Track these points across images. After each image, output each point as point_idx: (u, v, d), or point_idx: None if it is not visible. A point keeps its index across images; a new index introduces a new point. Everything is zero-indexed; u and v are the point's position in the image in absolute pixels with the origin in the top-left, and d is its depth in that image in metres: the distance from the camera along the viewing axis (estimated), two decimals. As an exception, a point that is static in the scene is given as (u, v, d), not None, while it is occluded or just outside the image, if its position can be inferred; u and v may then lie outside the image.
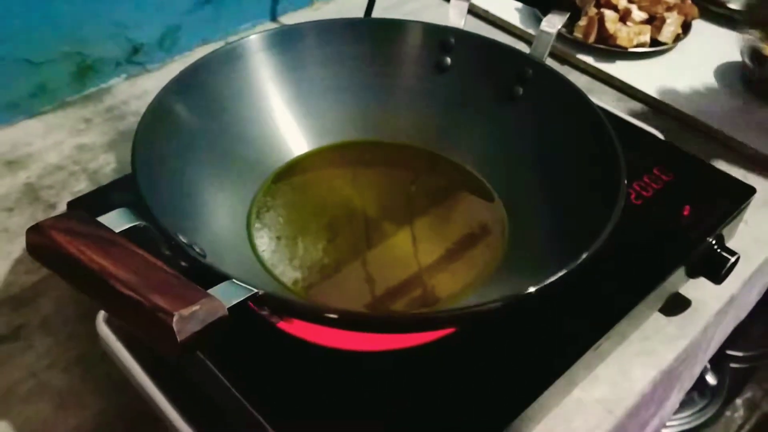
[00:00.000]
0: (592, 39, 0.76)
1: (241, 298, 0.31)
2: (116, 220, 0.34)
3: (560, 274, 0.37)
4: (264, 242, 0.47)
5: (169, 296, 0.29)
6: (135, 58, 0.70)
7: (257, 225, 0.48)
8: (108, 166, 0.62)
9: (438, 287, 0.46)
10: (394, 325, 0.36)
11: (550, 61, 0.73)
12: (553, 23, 0.51)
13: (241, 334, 0.41)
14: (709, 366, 1.12)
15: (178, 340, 0.28)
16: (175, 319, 0.28)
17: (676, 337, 0.52)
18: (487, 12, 0.82)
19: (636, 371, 0.49)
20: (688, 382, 0.59)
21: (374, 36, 0.53)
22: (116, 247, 0.31)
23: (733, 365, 1.17)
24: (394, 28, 0.53)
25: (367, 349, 0.41)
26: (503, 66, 0.52)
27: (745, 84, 0.74)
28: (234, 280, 0.32)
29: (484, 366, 0.42)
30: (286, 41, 0.52)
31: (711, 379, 1.12)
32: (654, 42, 0.77)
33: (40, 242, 0.31)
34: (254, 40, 0.50)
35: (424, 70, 0.54)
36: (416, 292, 0.45)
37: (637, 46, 0.76)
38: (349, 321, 0.35)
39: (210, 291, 0.31)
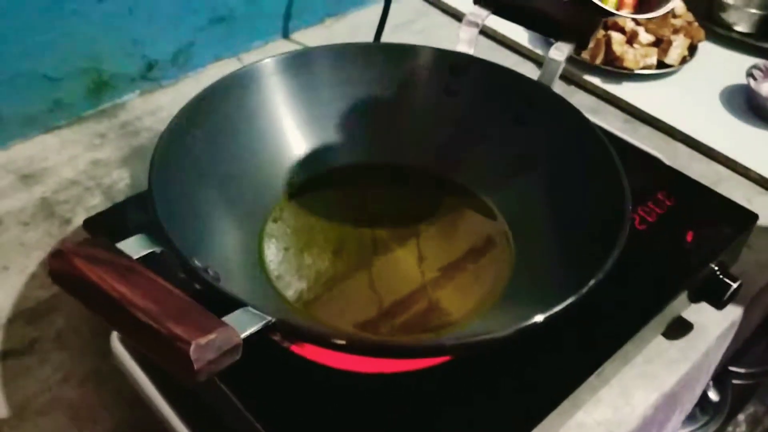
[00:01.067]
0: (599, 60, 0.77)
1: (255, 328, 0.32)
2: (134, 247, 0.35)
3: (567, 302, 0.37)
4: (274, 261, 0.48)
5: (186, 325, 0.30)
6: (149, 75, 0.71)
7: (268, 244, 0.49)
8: (122, 181, 0.63)
9: (444, 308, 0.47)
10: (402, 352, 0.37)
11: (557, 83, 0.74)
12: (562, 51, 0.52)
13: (252, 356, 0.42)
14: (711, 383, 1.12)
15: (195, 368, 0.29)
16: (192, 348, 0.29)
17: (677, 360, 0.53)
18: (495, 32, 0.83)
19: (638, 394, 0.50)
20: (689, 404, 0.59)
21: (385, 60, 0.54)
22: (135, 275, 0.32)
23: (735, 381, 1.17)
24: (405, 52, 0.55)
25: (374, 371, 0.42)
26: (511, 91, 0.53)
27: (750, 107, 0.75)
28: (249, 308, 0.33)
29: (489, 389, 0.43)
30: (298, 65, 0.53)
31: (713, 395, 1.13)
32: (661, 64, 0.78)
33: (62, 268, 0.32)
34: (268, 63, 0.52)
35: (434, 93, 0.55)
36: (421, 312, 0.46)
37: (644, 68, 0.77)
38: (358, 347, 0.36)
39: (225, 319, 0.32)
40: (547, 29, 0.53)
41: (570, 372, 0.44)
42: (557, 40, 0.53)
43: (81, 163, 0.65)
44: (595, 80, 0.77)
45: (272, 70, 0.52)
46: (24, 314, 0.52)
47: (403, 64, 0.55)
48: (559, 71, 0.52)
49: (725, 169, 0.69)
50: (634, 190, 0.55)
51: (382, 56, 0.54)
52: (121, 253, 0.34)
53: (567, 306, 0.37)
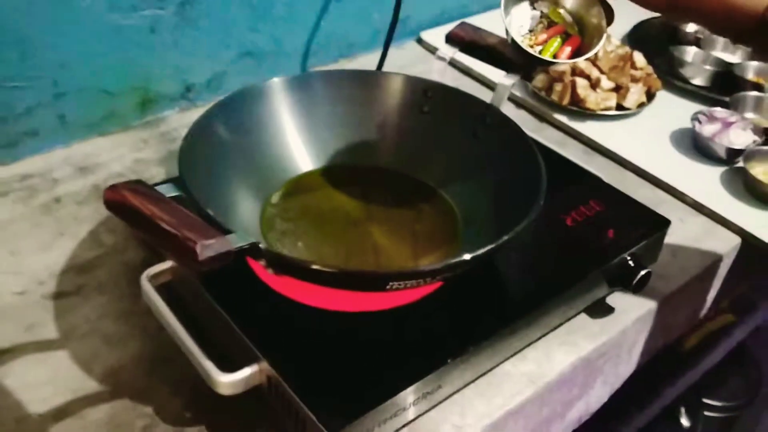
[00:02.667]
0: (566, 101, 0.91)
1: (246, 243, 0.46)
2: (166, 189, 0.49)
3: (488, 248, 0.51)
4: (272, 232, 0.62)
5: (195, 232, 0.43)
6: (187, 96, 0.87)
7: (269, 220, 0.63)
8: (159, 176, 0.78)
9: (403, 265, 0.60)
10: (359, 280, 0.50)
11: (523, 114, 0.88)
12: (510, 79, 0.66)
13: (245, 291, 0.56)
14: (683, 409, 1.21)
15: (199, 259, 0.42)
16: (198, 245, 0.43)
17: (596, 334, 0.64)
18: (463, 64, 0.98)
19: (559, 356, 0.62)
20: (613, 378, 0.70)
21: (369, 84, 0.69)
22: (163, 203, 0.46)
23: (708, 413, 1.25)
24: (385, 78, 0.69)
25: (340, 309, 0.55)
26: (469, 111, 0.67)
27: (695, 147, 0.87)
28: (241, 232, 0.47)
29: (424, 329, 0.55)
30: (301, 85, 0.68)
31: (684, 420, 1.21)
32: (620, 107, 0.91)
33: (113, 197, 0.46)
34: (277, 81, 0.66)
35: (409, 111, 0.69)
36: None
37: (604, 109, 0.90)
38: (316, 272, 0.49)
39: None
40: (499, 63, 0.67)
41: (493, 321, 0.57)
42: (507, 72, 0.66)
43: (127, 160, 0.79)
44: (563, 118, 0.91)
45: (280, 87, 0.67)
46: (74, 268, 0.66)
47: (384, 87, 0.69)
48: (506, 95, 0.65)
49: (666, 195, 0.82)
50: (570, 198, 0.69)
51: (367, 80, 0.69)
52: (155, 190, 0.48)
53: (488, 250, 0.50)
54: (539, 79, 0.92)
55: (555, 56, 0.64)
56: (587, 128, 0.89)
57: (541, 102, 0.92)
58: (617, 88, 0.92)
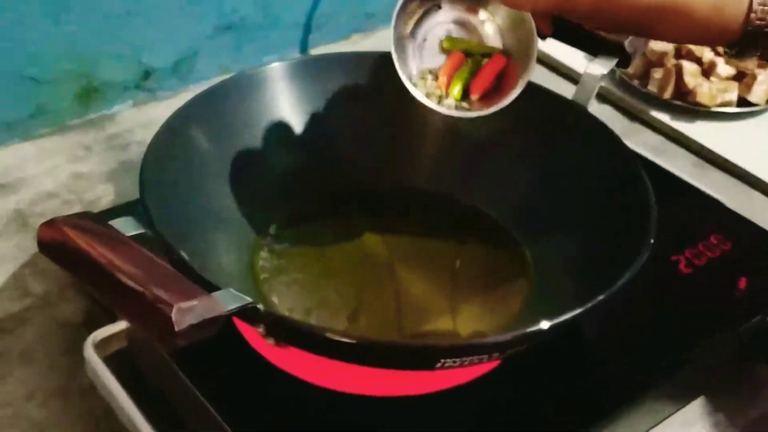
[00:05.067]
0: (668, 94, 0.89)
1: (239, 304, 0.43)
2: (124, 225, 0.47)
3: (573, 313, 0.48)
4: (271, 281, 0.60)
5: (170, 290, 0.41)
6: (145, 84, 0.85)
7: (264, 264, 0.61)
8: (106, 197, 0.76)
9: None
10: (400, 356, 0.48)
11: (608, 111, 0.87)
12: (600, 67, 0.64)
13: (230, 363, 0.54)
14: None
15: (176, 329, 0.40)
16: (174, 310, 0.40)
17: (721, 424, 0.62)
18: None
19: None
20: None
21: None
22: (123, 245, 0.44)
23: None
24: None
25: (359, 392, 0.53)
26: (542, 111, 0.65)
27: None
28: (232, 289, 0.44)
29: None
30: (306, 73, 0.66)
31: None
32: (742, 102, 0.89)
33: (52, 236, 0.44)
34: (275, 68, 0.65)
35: (454, 111, 0.67)
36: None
37: (721, 105, 0.88)
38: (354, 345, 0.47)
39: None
40: (584, 43, 0.65)
41: (577, 416, 0.54)
42: (595, 56, 0.64)
43: (62, 174, 0.78)
44: (663, 117, 0.89)
45: (279, 75, 0.66)
46: (-11, 327, 0.65)
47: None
48: (596, 90, 0.64)
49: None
50: (683, 232, 0.67)
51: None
52: (110, 227, 0.46)
53: (576, 315, 0.48)
54: (631, 64, 0.90)
55: (467, 95, 0.63)
56: (698, 131, 0.87)
57: (634, 94, 0.91)
58: (739, 76, 0.90)
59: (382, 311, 0.61)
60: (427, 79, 0.63)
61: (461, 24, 0.64)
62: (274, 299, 0.59)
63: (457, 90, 0.62)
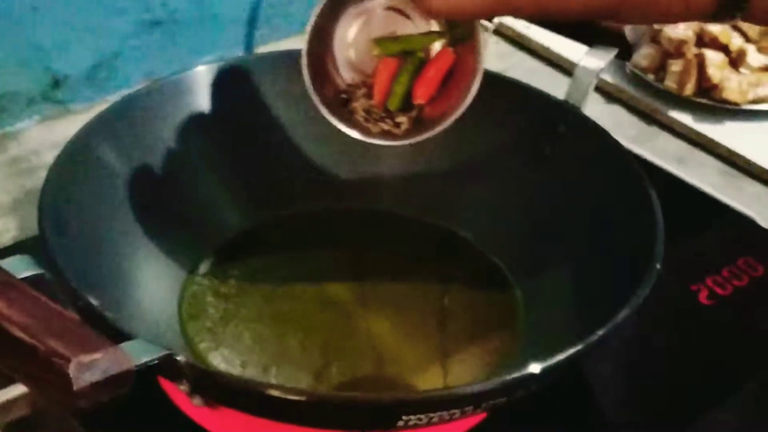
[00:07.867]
0: (689, 91, 0.89)
1: (152, 357, 0.43)
2: (16, 266, 0.47)
3: (567, 354, 0.48)
4: (202, 330, 0.60)
5: (68, 342, 0.41)
6: (54, 95, 0.85)
7: (193, 308, 0.61)
8: (7, 233, 0.76)
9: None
10: (353, 414, 0.48)
11: (618, 111, 0.88)
12: (596, 60, 0.64)
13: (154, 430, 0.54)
14: None
15: (74, 388, 0.40)
16: (72, 365, 0.40)
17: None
18: (515, 32, 0.97)
19: None
20: None
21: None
22: (14, 290, 0.44)
23: None
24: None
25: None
26: (530, 113, 0.66)
27: None
28: (142, 339, 0.44)
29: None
30: (249, 76, 0.67)
31: None
32: (779, 98, 0.90)
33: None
34: (205, 71, 0.66)
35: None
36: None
37: (754, 101, 0.89)
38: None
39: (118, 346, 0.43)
40: (579, 33, 0.65)
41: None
42: (591, 46, 0.65)
43: (-49, 206, 0.78)
44: (684, 118, 0.89)
45: (212, 80, 0.66)
46: None
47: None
48: (591, 87, 0.64)
49: None
50: (705, 255, 0.68)
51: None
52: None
53: (569, 356, 0.48)
54: (644, 55, 0.91)
55: (410, 103, 0.60)
56: (726, 133, 0.88)
57: (649, 91, 0.91)
58: (773, 67, 0.91)
59: (355, 365, 0.60)
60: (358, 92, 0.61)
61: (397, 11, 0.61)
62: (221, 353, 0.59)
63: (398, 92, 0.59)
